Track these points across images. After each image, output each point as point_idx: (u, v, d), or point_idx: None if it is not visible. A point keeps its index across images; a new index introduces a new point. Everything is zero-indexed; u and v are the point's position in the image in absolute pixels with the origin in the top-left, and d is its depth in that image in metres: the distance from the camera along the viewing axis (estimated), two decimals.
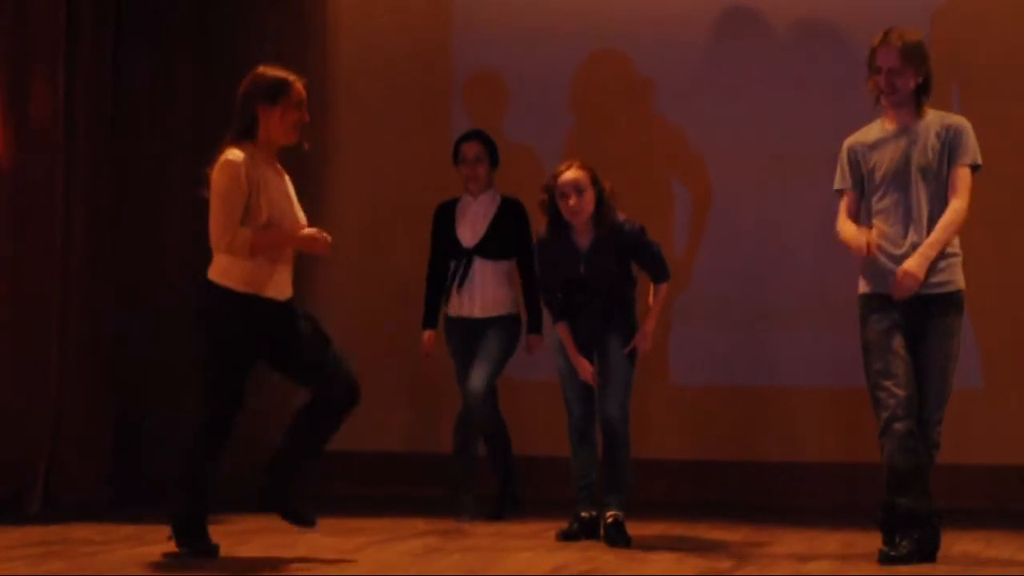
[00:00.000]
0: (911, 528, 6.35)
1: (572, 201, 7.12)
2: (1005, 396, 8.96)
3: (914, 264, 6.38)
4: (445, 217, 8.22)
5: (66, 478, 8.42)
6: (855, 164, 6.61)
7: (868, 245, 6.45)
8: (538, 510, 8.21)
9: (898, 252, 6.46)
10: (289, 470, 6.52)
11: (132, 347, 9.05)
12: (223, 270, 6.36)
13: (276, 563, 6.25)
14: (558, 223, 7.22)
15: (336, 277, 9.56)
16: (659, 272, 7.30)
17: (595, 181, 7.17)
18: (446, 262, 8.16)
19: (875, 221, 6.54)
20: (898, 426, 6.34)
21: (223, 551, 6.52)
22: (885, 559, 6.32)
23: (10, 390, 8.21)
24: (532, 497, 8.76)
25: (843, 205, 6.65)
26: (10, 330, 8.24)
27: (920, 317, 6.44)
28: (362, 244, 9.59)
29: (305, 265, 9.25)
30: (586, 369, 7.24)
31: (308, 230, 6.46)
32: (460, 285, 8.10)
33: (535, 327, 8.11)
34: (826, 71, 9.09)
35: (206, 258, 9.08)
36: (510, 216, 8.13)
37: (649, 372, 8.89)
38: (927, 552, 6.37)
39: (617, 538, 7.01)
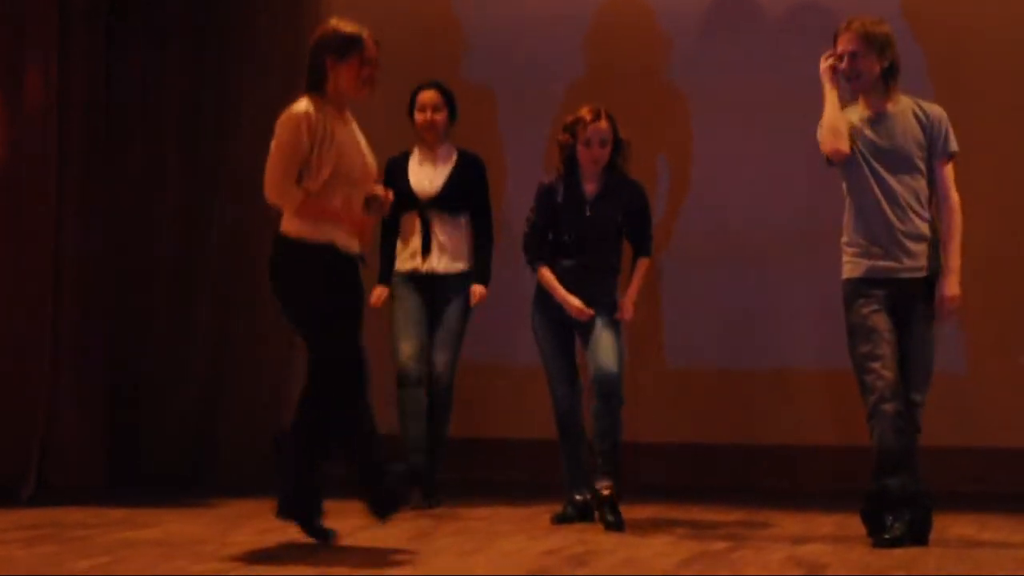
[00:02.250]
0: (903, 509, 6.35)
1: (596, 151, 7.20)
2: (990, 380, 8.95)
3: (952, 285, 6.47)
4: (397, 170, 7.92)
5: (60, 462, 8.42)
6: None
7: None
8: (531, 494, 8.21)
9: (876, 235, 6.47)
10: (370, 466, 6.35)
11: (127, 331, 9.04)
12: (297, 224, 6.24)
13: (272, 548, 6.22)
14: (572, 165, 7.26)
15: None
16: (645, 241, 7.36)
17: (615, 131, 7.25)
18: (399, 215, 7.82)
19: (853, 206, 6.55)
20: (887, 408, 6.35)
21: (215, 536, 6.52)
22: (880, 542, 6.32)
23: (4, 376, 8.19)
24: (526, 481, 8.79)
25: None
26: (4, 317, 8.23)
27: (904, 300, 6.48)
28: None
29: None
30: (575, 304, 7.15)
31: (354, 217, 6.29)
32: (421, 240, 7.85)
33: (482, 278, 7.88)
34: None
35: (200, 247, 9.20)
36: (469, 170, 7.93)
37: (643, 355, 8.90)
38: (920, 534, 6.38)
39: (612, 519, 6.98)
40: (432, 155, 7.98)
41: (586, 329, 7.20)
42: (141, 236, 9.16)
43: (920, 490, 6.42)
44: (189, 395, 9.09)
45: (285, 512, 6.30)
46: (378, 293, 7.91)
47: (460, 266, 7.90)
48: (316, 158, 6.21)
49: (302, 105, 6.26)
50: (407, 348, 7.82)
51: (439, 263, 7.87)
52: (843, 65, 6.57)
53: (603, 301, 7.22)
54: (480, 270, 7.91)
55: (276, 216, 6.40)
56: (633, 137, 7.38)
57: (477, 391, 8.80)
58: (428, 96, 7.98)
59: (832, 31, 6.68)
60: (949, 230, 6.53)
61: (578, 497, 7.27)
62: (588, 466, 7.24)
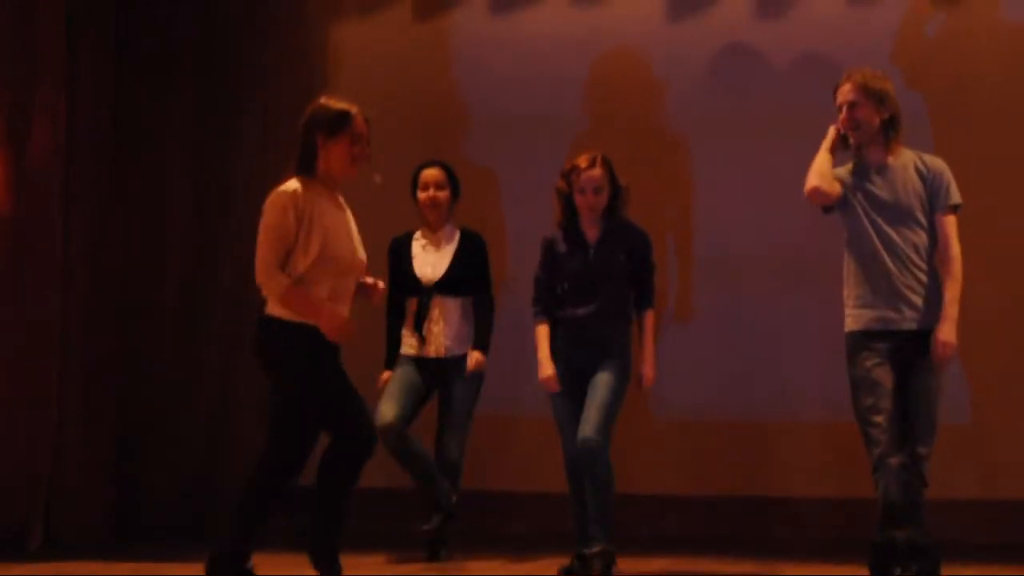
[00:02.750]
0: (911, 562, 6.34)
1: (591, 198, 7.27)
2: (993, 431, 8.96)
3: (947, 332, 6.46)
4: (401, 250, 7.94)
5: (65, 513, 8.42)
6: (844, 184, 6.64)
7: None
8: (535, 546, 8.21)
9: (877, 288, 6.49)
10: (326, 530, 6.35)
11: (133, 380, 9.06)
12: (268, 293, 6.22)
13: None
14: (571, 212, 7.34)
15: None
16: (647, 291, 7.39)
17: (612, 177, 7.31)
18: (404, 299, 7.88)
19: (854, 260, 6.57)
20: (892, 461, 6.35)
21: None
22: None
23: (11, 427, 8.21)
24: (530, 534, 8.78)
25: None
26: (12, 369, 8.25)
27: (908, 353, 6.48)
28: None
29: None
30: (547, 371, 7.24)
31: (334, 318, 6.18)
32: (419, 324, 7.83)
33: (481, 345, 7.82)
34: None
35: (208, 280, 9.21)
36: (471, 250, 7.91)
37: (639, 406, 8.89)
38: None
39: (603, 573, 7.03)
40: (435, 237, 7.93)
41: (593, 378, 7.21)
42: (148, 283, 9.20)
43: (928, 542, 6.41)
44: (194, 446, 9.10)
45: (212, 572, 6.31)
46: (385, 379, 7.87)
47: (464, 349, 7.84)
48: (303, 239, 6.17)
49: (290, 185, 6.22)
50: (388, 409, 7.69)
51: (443, 348, 7.82)
52: (842, 116, 6.61)
53: (613, 350, 7.24)
54: (480, 337, 7.85)
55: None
56: (634, 184, 7.44)
57: (483, 443, 8.80)
58: (431, 174, 7.94)
59: (826, 75, 6.70)
60: (948, 278, 6.53)
61: (586, 551, 7.23)
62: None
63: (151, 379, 9.17)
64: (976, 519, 8.79)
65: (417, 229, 8.01)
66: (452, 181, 7.99)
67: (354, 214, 6.48)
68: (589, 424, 7.09)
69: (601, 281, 7.27)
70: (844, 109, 6.60)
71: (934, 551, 6.41)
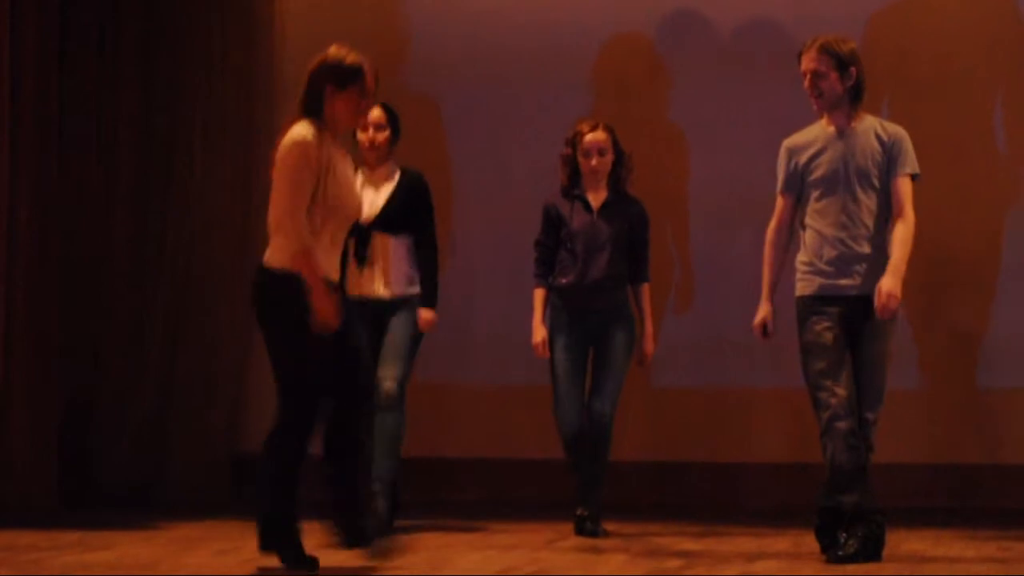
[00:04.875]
0: (856, 526, 6.37)
1: (594, 161, 7.42)
2: (942, 396, 9.00)
3: (891, 283, 6.42)
4: None
5: (10, 482, 8.36)
6: (792, 165, 6.63)
7: (763, 326, 6.64)
8: (485, 513, 8.21)
9: (832, 255, 6.50)
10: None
11: (78, 349, 9.01)
12: (281, 252, 6.04)
13: (226, 572, 6.20)
14: (576, 178, 7.49)
15: None
16: (643, 266, 7.57)
17: (615, 143, 7.47)
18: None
19: (810, 223, 6.57)
20: (840, 425, 6.37)
21: (169, 558, 6.49)
22: (834, 558, 6.34)
23: None
24: (481, 500, 8.81)
25: (777, 208, 6.69)
26: None
27: (858, 319, 6.50)
28: None
29: (251, 242, 9.20)
30: (537, 336, 7.46)
31: (328, 305, 5.97)
32: (360, 264, 7.64)
33: (429, 302, 7.65)
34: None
35: (155, 252, 9.15)
36: (411, 189, 7.72)
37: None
38: (872, 550, 6.39)
39: (598, 532, 7.34)
40: (374, 175, 7.75)
41: (604, 347, 7.43)
42: (94, 255, 9.13)
43: (874, 507, 6.43)
44: (141, 414, 9.07)
45: (265, 544, 6.17)
46: None
47: (406, 290, 7.67)
48: (320, 188, 6.04)
49: (306, 132, 6.06)
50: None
51: (385, 289, 7.66)
52: (807, 83, 6.57)
53: (618, 316, 7.46)
54: (427, 294, 7.66)
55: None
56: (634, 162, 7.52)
57: (430, 410, 8.79)
58: (373, 115, 7.70)
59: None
60: (899, 240, 6.50)
61: (579, 512, 7.44)
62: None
63: (98, 348, 9.12)
64: (924, 484, 8.85)
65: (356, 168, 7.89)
66: (393, 122, 7.80)
67: None
68: (606, 398, 7.40)
69: (606, 242, 7.45)
70: (808, 76, 6.56)
71: (880, 516, 6.44)
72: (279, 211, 6.03)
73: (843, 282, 6.52)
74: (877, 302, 6.42)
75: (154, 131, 9.28)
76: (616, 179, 7.52)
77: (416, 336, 7.67)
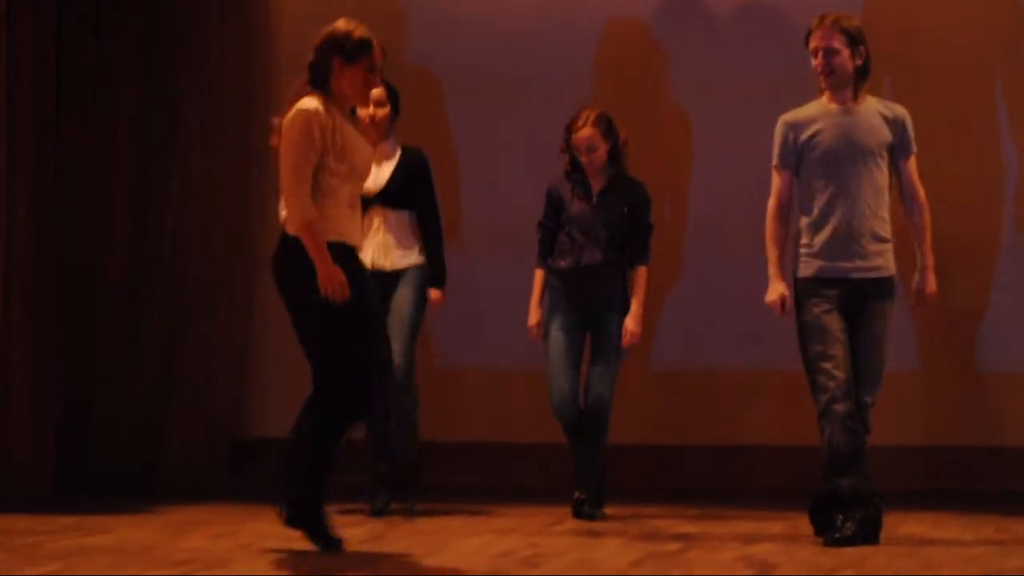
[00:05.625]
0: (854, 509, 6.37)
1: (584, 158, 7.48)
2: (941, 378, 9.00)
3: (931, 282, 6.59)
4: None
5: (7, 467, 8.35)
6: (791, 142, 6.61)
7: (782, 304, 6.59)
8: (485, 497, 8.21)
9: (831, 232, 6.48)
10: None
11: (77, 334, 9.00)
12: (291, 218, 6.04)
13: (224, 553, 6.19)
14: (576, 163, 7.53)
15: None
16: (642, 248, 7.57)
17: (608, 133, 7.47)
18: None
19: (809, 202, 6.56)
20: (838, 408, 6.37)
21: (166, 542, 6.49)
22: (831, 541, 6.34)
23: None
24: (480, 484, 8.82)
25: (776, 185, 6.67)
26: None
27: (857, 301, 6.51)
28: None
29: (256, 256, 9.24)
30: (532, 318, 7.57)
31: (334, 275, 5.98)
32: (368, 237, 7.55)
33: (438, 281, 7.68)
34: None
35: (153, 248, 9.15)
36: (414, 165, 7.72)
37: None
38: (870, 532, 6.40)
39: (596, 514, 7.39)
40: (375, 152, 7.50)
41: (600, 331, 7.47)
42: (92, 253, 9.11)
43: (871, 489, 6.44)
44: (139, 399, 9.05)
45: (292, 519, 6.19)
46: None
47: (409, 261, 7.67)
48: (330, 155, 6.05)
49: (310, 103, 6.07)
50: None
51: (387, 260, 7.65)
52: (818, 60, 6.53)
53: (615, 301, 7.49)
54: (436, 274, 7.70)
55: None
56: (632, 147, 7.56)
57: (428, 394, 8.77)
58: (375, 92, 7.52)
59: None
60: (921, 226, 6.58)
61: (577, 495, 7.46)
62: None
63: (96, 344, 9.10)
64: (923, 466, 8.85)
65: None
66: (393, 98, 7.78)
67: None
68: (604, 383, 7.44)
69: (604, 228, 7.48)
70: (820, 54, 6.52)
71: (877, 499, 6.45)
72: (286, 182, 6.05)
73: (843, 264, 6.51)
74: (917, 302, 6.58)
75: (152, 131, 9.23)
76: (615, 165, 7.52)
77: (419, 308, 7.68)
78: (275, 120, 6.21)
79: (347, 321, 6.04)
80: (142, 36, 9.24)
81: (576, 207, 7.50)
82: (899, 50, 8.95)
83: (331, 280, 5.99)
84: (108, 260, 9.14)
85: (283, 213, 6.24)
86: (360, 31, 6.18)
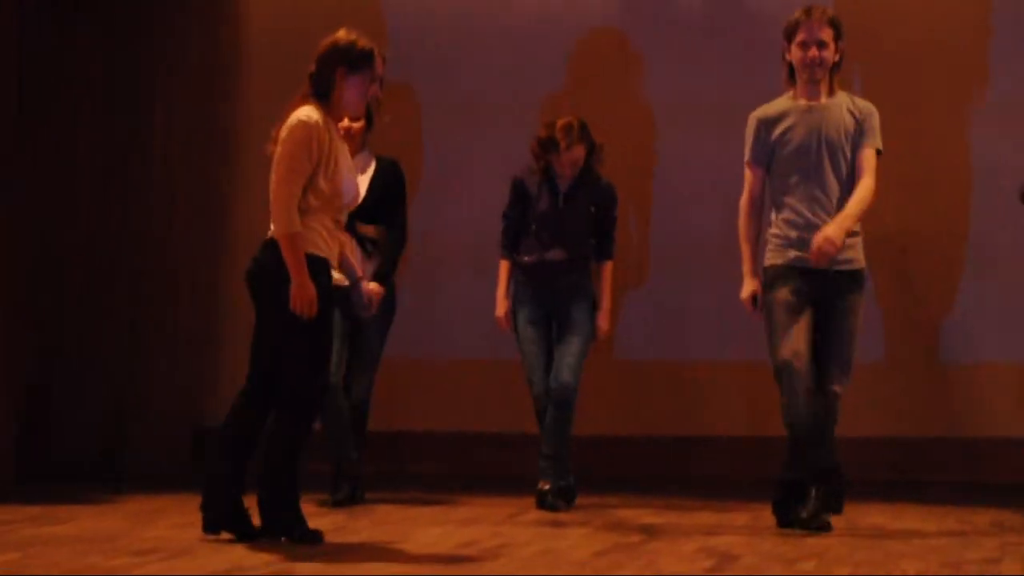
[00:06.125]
0: (817, 487, 6.40)
1: (568, 171, 7.49)
2: (906, 369, 9.03)
3: (832, 230, 6.42)
4: None
5: None
6: (764, 139, 6.63)
7: (753, 301, 6.59)
8: (448, 486, 8.20)
9: (804, 227, 6.50)
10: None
11: (39, 320, 8.96)
12: (275, 223, 6.01)
13: (187, 542, 6.18)
14: (549, 168, 7.54)
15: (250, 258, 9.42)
16: (608, 243, 7.63)
17: (589, 144, 7.50)
18: None
19: (781, 197, 6.58)
20: (799, 385, 6.42)
21: (129, 531, 6.48)
22: (800, 523, 6.38)
23: None
24: (443, 474, 8.82)
25: (748, 181, 6.68)
26: None
27: (827, 292, 6.52)
28: None
29: (220, 243, 9.24)
30: (499, 310, 7.59)
31: (306, 291, 5.97)
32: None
33: (384, 280, 7.56)
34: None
35: (117, 226, 9.11)
36: (389, 179, 7.71)
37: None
38: (834, 504, 6.47)
39: (568, 503, 7.45)
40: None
41: (564, 320, 7.50)
42: (54, 225, 9.07)
43: (831, 465, 6.49)
44: (102, 389, 9.02)
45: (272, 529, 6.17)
46: None
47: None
48: (320, 173, 6.03)
49: (311, 114, 6.04)
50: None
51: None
52: (811, 53, 6.50)
53: (582, 294, 7.53)
54: (383, 272, 7.62)
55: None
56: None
57: (392, 384, 8.78)
58: None
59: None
60: (854, 197, 6.50)
61: (562, 483, 7.50)
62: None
63: (58, 328, 9.07)
64: (886, 457, 8.89)
65: None
66: (368, 109, 7.64)
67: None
68: (568, 370, 7.43)
69: (569, 227, 7.50)
70: (813, 48, 6.50)
71: (838, 477, 6.48)
72: (276, 191, 6.02)
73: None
74: (813, 245, 6.42)
75: (117, 127, 9.20)
76: (586, 166, 7.55)
77: (384, 339, 7.73)
78: (275, 130, 6.16)
79: (305, 336, 6.04)
80: (106, 36, 9.19)
81: (542, 205, 7.52)
82: (870, 41, 8.97)
83: (302, 294, 5.98)
84: (71, 248, 9.10)
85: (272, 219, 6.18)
86: (364, 41, 6.17)
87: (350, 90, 6.14)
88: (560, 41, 9.40)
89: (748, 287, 6.65)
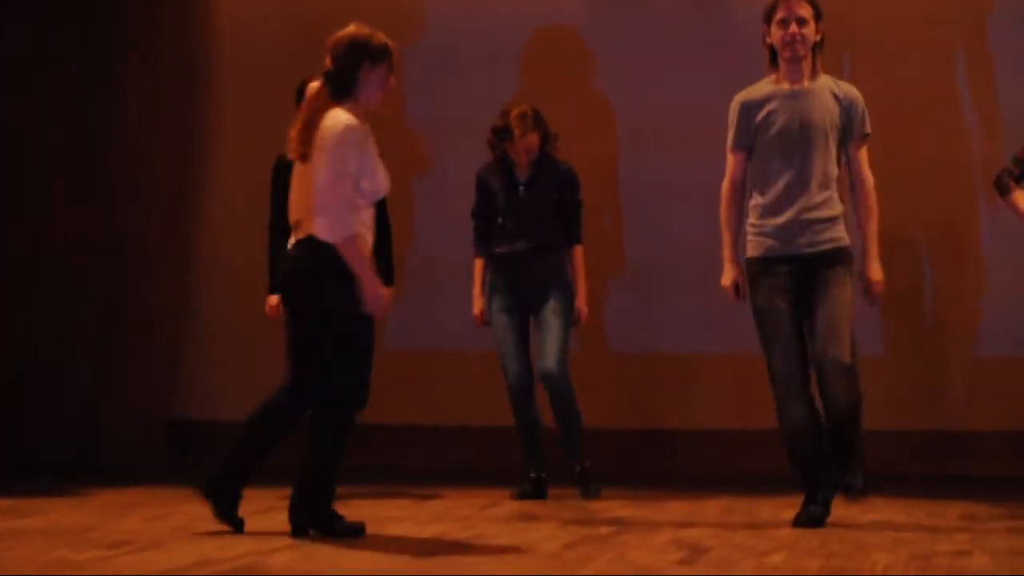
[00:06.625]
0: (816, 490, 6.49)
1: (524, 159, 7.53)
2: (906, 362, 9.05)
3: (877, 270, 6.53)
4: (289, 171, 7.22)
5: None
6: (746, 123, 6.58)
7: (736, 289, 6.55)
8: (421, 480, 8.20)
9: (783, 214, 6.48)
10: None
11: (12, 316, 8.96)
12: (329, 231, 6.05)
13: (158, 535, 6.17)
14: (505, 158, 7.61)
15: (224, 251, 9.43)
16: (574, 228, 7.66)
17: (543, 131, 7.55)
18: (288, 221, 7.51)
19: (760, 183, 6.54)
20: (792, 396, 6.43)
21: (100, 524, 6.47)
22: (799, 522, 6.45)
23: None
24: (416, 467, 8.82)
25: (730, 166, 6.63)
26: None
27: (810, 276, 6.47)
28: (250, 215, 9.37)
29: (194, 237, 9.23)
30: (476, 310, 7.66)
31: (379, 290, 6.08)
32: None
33: (388, 279, 7.47)
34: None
35: (92, 218, 9.09)
36: None
37: None
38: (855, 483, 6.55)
39: (588, 489, 7.51)
40: None
41: (540, 310, 7.56)
42: (29, 218, 9.07)
43: (829, 478, 6.51)
44: (76, 382, 9.02)
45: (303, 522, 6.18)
46: (275, 304, 7.52)
47: None
48: (366, 176, 6.07)
49: (349, 118, 6.06)
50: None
51: None
52: (791, 30, 6.45)
53: (555, 282, 7.57)
54: (386, 272, 7.50)
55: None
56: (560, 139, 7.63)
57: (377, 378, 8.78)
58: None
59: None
60: (866, 213, 6.54)
61: (532, 475, 7.56)
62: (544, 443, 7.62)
63: (32, 319, 9.06)
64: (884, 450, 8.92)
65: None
66: None
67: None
68: (551, 358, 7.51)
69: (532, 216, 7.56)
70: (793, 24, 6.46)
71: (830, 489, 6.51)
72: (328, 196, 6.01)
73: (792, 243, 6.47)
74: (867, 293, 6.51)
75: (90, 119, 9.20)
76: (542, 154, 7.61)
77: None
78: (294, 131, 6.17)
79: (352, 331, 6.11)
80: (81, 32, 9.17)
81: (503, 197, 7.60)
82: (859, 25, 8.98)
83: (375, 293, 6.06)
84: (46, 240, 9.09)
85: (318, 221, 6.13)
86: (378, 34, 6.20)
87: (373, 84, 6.16)
88: (519, 29, 9.43)
89: (729, 274, 6.61)
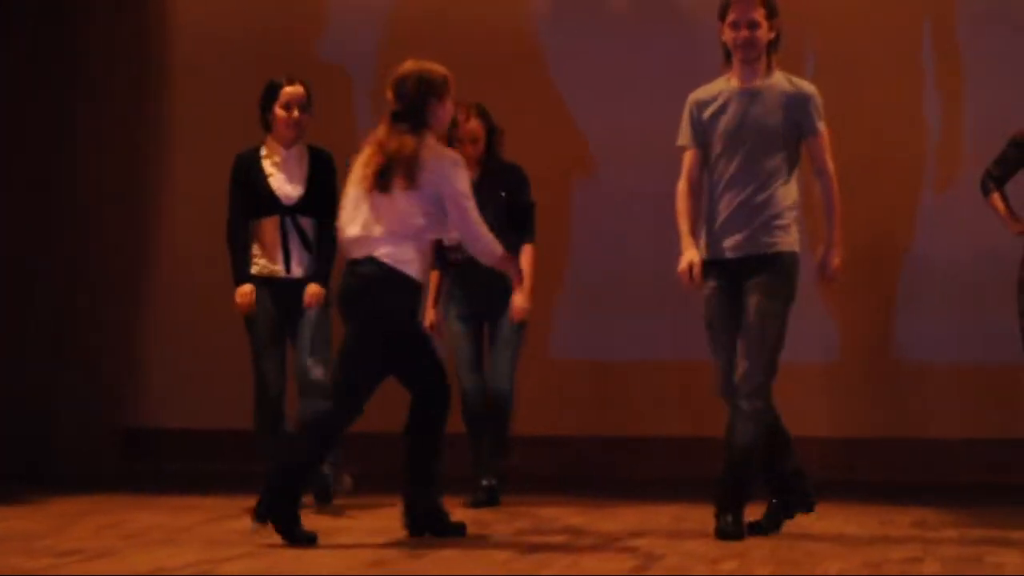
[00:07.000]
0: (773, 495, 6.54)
1: (469, 149, 7.51)
2: (857, 369, 9.09)
3: (835, 256, 6.51)
4: (251, 169, 7.54)
5: None
6: (697, 120, 6.57)
7: (690, 272, 6.47)
8: (375, 487, 8.20)
9: (719, 215, 6.48)
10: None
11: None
12: (406, 259, 6.34)
13: (109, 543, 6.16)
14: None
15: (180, 256, 9.41)
16: (526, 227, 7.64)
17: (488, 124, 7.62)
18: (251, 219, 7.51)
19: (709, 184, 6.53)
20: (727, 398, 6.45)
21: (51, 532, 6.44)
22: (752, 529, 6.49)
23: None
24: (371, 474, 8.81)
25: (685, 164, 6.61)
26: None
27: (747, 276, 6.43)
28: (206, 219, 9.31)
29: (147, 241, 9.20)
30: (428, 317, 7.66)
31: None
32: (284, 243, 7.46)
33: (324, 280, 7.46)
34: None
35: (44, 226, 9.04)
36: (323, 170, 7.55)
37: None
38: (800, 505, 6.66)
39: (491, 502, 7.54)
40: (286, 154, 7.53)
41: (495, 321, 7.62)
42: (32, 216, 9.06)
43: (789, 473, 6.58)
44: (28, 389, 8.97)
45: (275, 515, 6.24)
46: (248, 291, 7.44)
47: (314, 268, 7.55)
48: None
49: (449, 151, 6.53)
50: (271, 367, 7.50)
51: (300, 268, 7.50)
52: (742, 33, 6.42)
53: (507, 292, 7.51)
54: (323, 271, 7.50)
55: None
56: (508, 127, 7.67)
57: None
58: (297, 93, 7.52)
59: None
60: (829, 202, 6.51)
61: (485, 483, 7.59)
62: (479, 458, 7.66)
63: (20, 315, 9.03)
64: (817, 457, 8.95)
65: (261, 145, 7.60)
66: (311, 101, 7.62)
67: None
68: (506, 378, 7.60)
69: (486, 218, 7.33)
70: (743, 27, 6.42)
71: (798, 479, 6.59)
72: (475, 227, 6.42)
73: (733, 242, 6.44)
74: (820, 276, 6.53)
75: (45, 120, 9.16)
76: (489, 154, 7.63)
77: (330, 323, 7.50)
78: (367, 170, 6.40)
79: (425, 339, 6.67)
80: (32, 37, 9.13)
81: None
82: (823, 16, 9.01)
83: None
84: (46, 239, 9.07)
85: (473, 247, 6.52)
86: (438, 67, 6.49)
87: (438, 117, 6.48)
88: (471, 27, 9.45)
89: (687, 257, 6.46)
